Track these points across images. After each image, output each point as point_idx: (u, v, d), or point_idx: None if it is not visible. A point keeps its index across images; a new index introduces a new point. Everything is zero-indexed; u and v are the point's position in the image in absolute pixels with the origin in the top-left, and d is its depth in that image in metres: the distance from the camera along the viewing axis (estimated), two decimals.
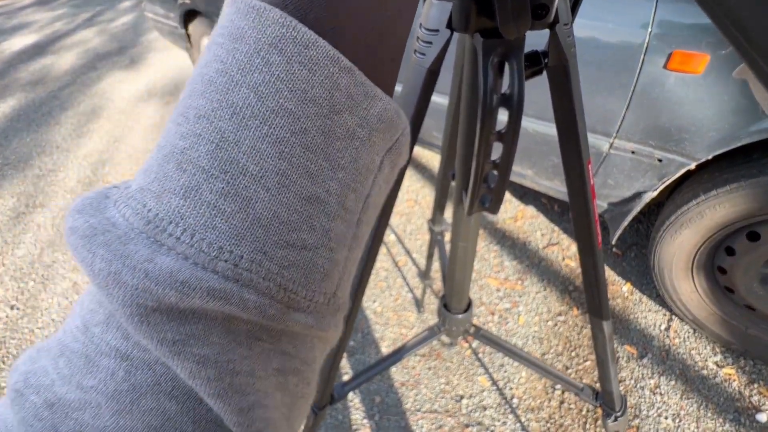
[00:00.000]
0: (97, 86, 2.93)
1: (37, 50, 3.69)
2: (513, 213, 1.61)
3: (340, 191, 0.14)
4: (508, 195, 1.69)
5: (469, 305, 0.61)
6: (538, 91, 1.06)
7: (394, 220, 1.64)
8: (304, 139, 0.13)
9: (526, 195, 1.68)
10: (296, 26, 0.12)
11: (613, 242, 1.16)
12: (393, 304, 1.35)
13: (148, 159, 0.14)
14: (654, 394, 1.08)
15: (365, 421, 1.08)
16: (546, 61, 0.32)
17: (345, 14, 0.13)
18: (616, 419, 0.54)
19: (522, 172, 1.28)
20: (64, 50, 3.63)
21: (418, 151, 1.98)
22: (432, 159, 1.94)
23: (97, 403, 0.13)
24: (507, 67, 0.29)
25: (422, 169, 1.88)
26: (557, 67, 0.31)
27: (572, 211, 0.40)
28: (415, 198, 1.73)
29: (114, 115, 2.55)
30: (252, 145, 0.12)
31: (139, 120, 2.47)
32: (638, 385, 1.10)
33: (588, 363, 1.16)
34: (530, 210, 1.62)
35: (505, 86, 0.30)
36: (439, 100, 1.28)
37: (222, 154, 0.12)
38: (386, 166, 0.16)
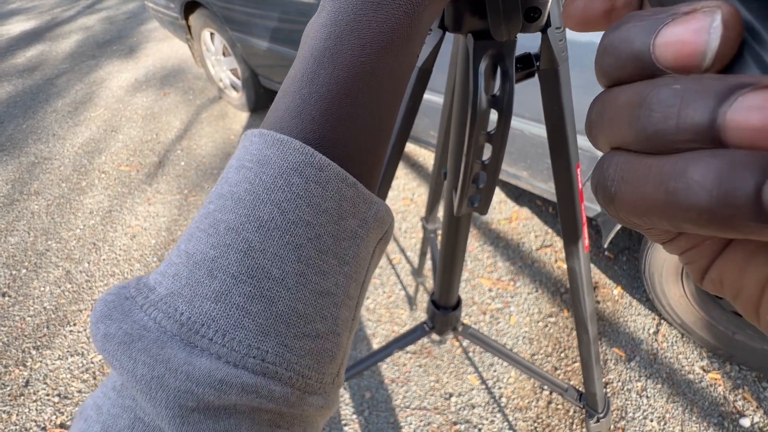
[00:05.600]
0: (95, 74, 2.91)
1: (35, 36, 3.65)
2: (508, 214, 1.62)
3: (346, 283, 0.16)
4: (503, 196, 1.70)
5: (459, 303, 0.62)
6: (534, 93, 1.07)
7: None
8: (318, 243, 0.15)
9: (522, 196, 1.69)
10: (313, 153, 0.15)
11: (605, 245, 1.17)
12: (386, 301, 1.36)
13: (173, 262, 0.15)
14: (640, 396, 1.09)
15: (354, 416, 1.09)
16: (538, 64, 0.32)
17: (348, 138, 0.16)
18: (598, 420, 0.55)
19: (517, 174, 1.29)
20: (62, 37, 3.60)
21: (414, 149, 1.99)
22: (428, 158, 1.94)
23: None
24: (499, 68, 0.30)
25: (418, 168, 1.88)
26: (548, 71, 0.31)
27: (560, 214, 0.40)
28: (411, 197, 1.73)
29: (111, 105, 2.53)
30: (275, 252, 0.14)
31: (136, 110, 2.46)
32: (625, 388, 1.11)
33: (577, 364, 1.17)
34: (525, 211, 1.62)
35: (497, 87, 0.30)
36: (436, 98, 1.28)
37: (249, 262, 0.14)
38: (377, 254, 0.18)
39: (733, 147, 0.08)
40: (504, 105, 0.29)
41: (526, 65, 0.33)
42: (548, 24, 0.29)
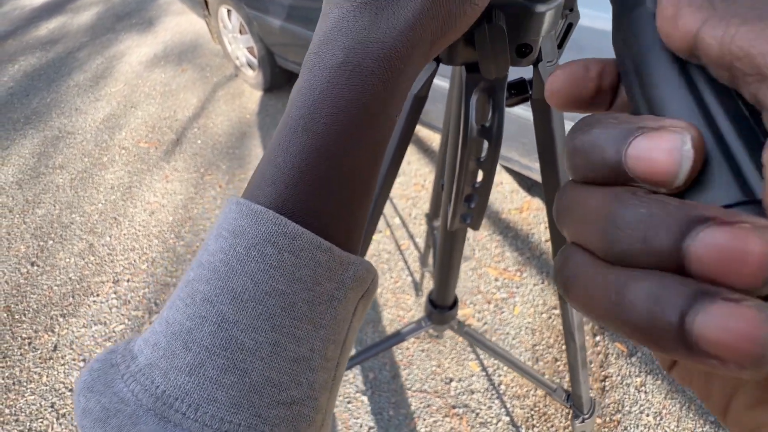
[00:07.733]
0: (115, 48, 2.93)
1: (57, 7, 3.68)
2: (519, 204, 1.61)
3: (322, 346, 0.16)
4: (515, 186, 1.68)
5: (455, 303, 0.64)
6: None
7: (401, 203, 1.65)
8: (292, 311, 0.15)
9: (534, 187, 1.67)
10: (286, 223, 0.15)
11: None
12: (393, 285, 1.39)
13: (156, 330, 0.16)
14: (639, 391, 1.11)
15: (358, 395, 1.14)
16: (531, 92, 0.32)
17: (323, 204, 0.16)
18: (583, 420, 0.57)
19: (529, 165, 1.28)
20: (82, 8, 3.62)
21: (428, 135, 1.97)
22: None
23: None
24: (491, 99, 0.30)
25: (431, 154, 1.87)
26: (540, 101, 0.32)
27: (550, 229, 0.41)
28: (422, 183, 1.73)
29: (131, 80, 2.56)
30: (248, 324, 0.15)
31: (154, 86, 2.49)
32: (624, 382, 1.13)
33: None
34: (536, 202, 1.61)
35: (489, 116, 0.31)
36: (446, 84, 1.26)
37: (223, 334, 0.15)
38: (360, 310, 0.18)
39: (696, 277, 0.08)
40: (493, 135, 0.30)
41: (520, 91, 0.33)
42: (539, 58, 0.29)
